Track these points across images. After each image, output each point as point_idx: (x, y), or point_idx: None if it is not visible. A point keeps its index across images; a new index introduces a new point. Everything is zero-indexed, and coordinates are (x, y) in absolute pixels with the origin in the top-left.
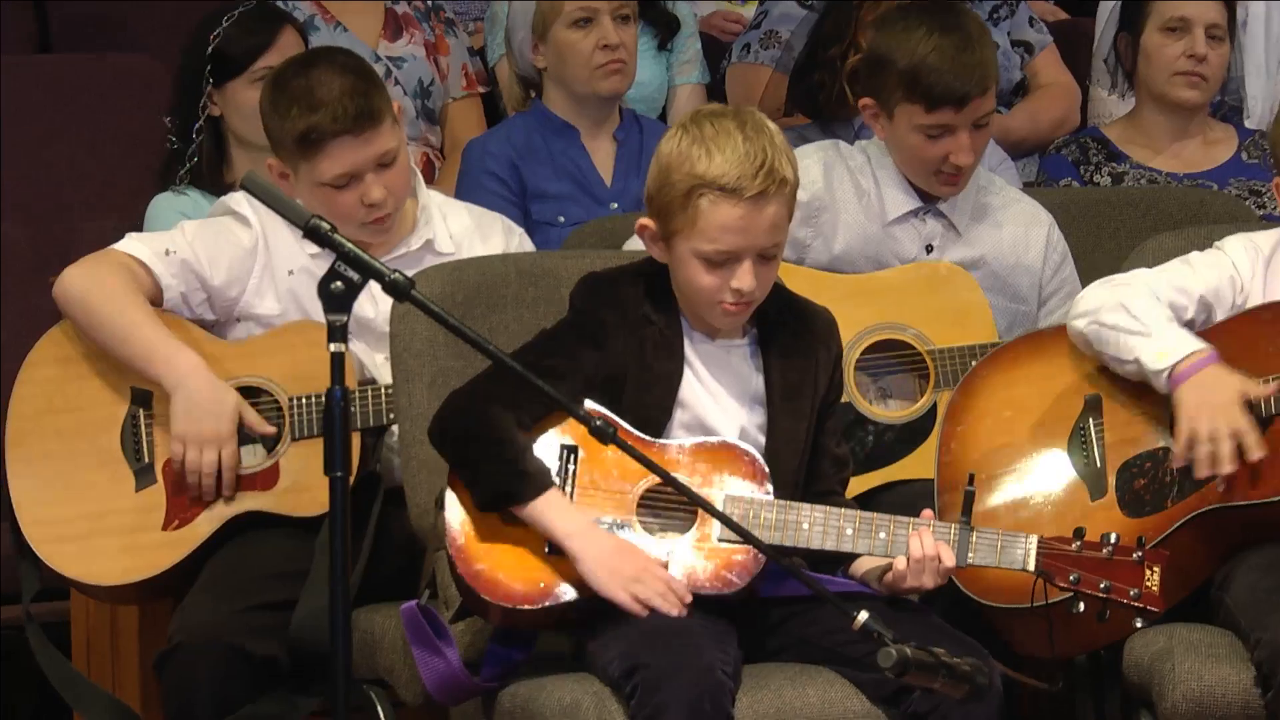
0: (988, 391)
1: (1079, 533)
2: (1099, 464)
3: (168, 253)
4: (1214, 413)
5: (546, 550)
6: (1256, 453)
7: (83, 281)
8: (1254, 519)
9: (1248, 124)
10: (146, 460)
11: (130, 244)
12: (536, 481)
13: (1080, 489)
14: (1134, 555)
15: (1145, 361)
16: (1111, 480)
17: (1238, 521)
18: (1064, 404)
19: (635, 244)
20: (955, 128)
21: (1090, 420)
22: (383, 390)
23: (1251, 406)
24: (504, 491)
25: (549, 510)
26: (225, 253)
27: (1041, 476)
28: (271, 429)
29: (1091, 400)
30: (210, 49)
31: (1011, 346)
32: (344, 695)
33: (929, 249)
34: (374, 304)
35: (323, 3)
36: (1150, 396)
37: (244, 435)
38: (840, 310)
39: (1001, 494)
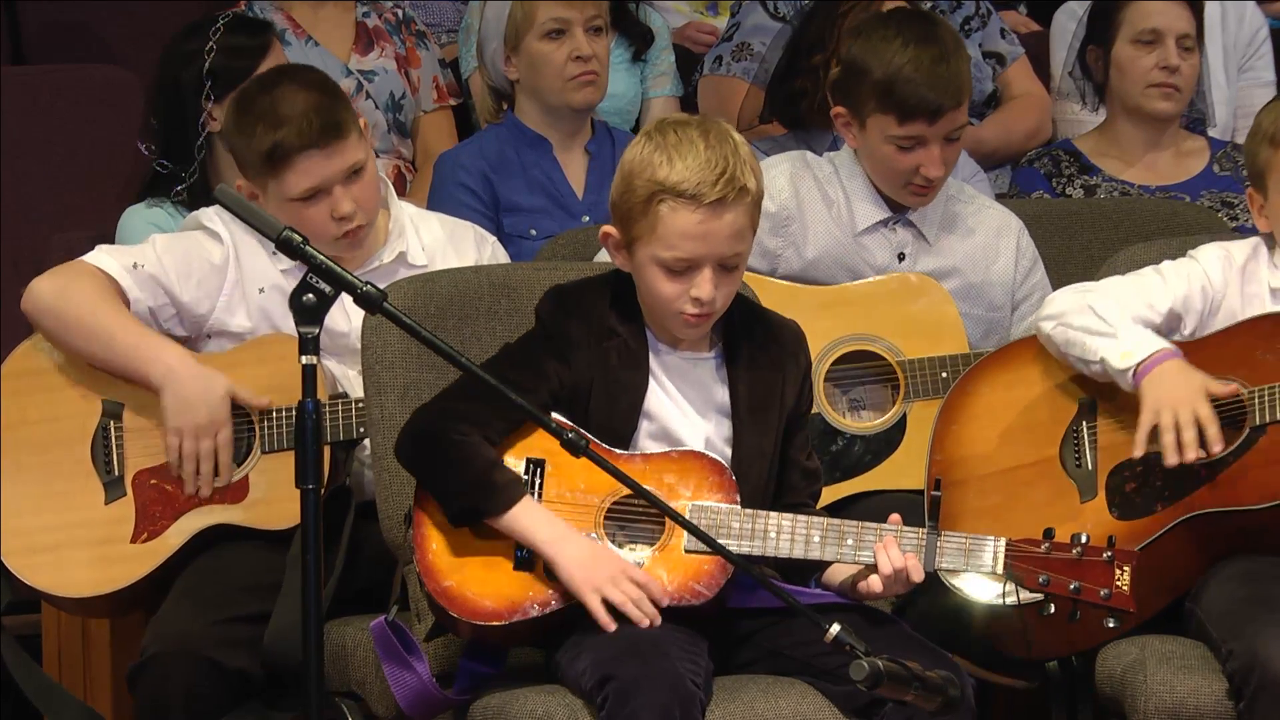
0: (984, 391)
1: (1048, 533)
2: (1090, 466)
3: (135, 266)
4: (1176, 402)
5: (514, 566)
6: (1217, 445)
7: (53, 290)
8: (1243, 526)
9: (1211, 133)
10: (117, 473)
11: (98, 257)
12: (507, 493)
13: (1071, 490)
14: (1104, 555)
15: (1110, 361)
16: (1102, 482)
17: (1227, 528)
18: (1059, 406)
19: (606, 256)
20: (927, 140)
21: (1084, 423)
22: (353, 404)
23: (1215, 402)
24: (473, 507)
25: (523, 519)
26: (195, 268)
27: (1033, 477)
28: (265, 400)
29: (1086, 403)
30: (207, 66)
31: (1010, 348)
32: (317, 708)
33: (901, 257)
34: (348, 319)
35: (294, 16)
36: None
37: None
38: (811, 321)
39: (992, 493)
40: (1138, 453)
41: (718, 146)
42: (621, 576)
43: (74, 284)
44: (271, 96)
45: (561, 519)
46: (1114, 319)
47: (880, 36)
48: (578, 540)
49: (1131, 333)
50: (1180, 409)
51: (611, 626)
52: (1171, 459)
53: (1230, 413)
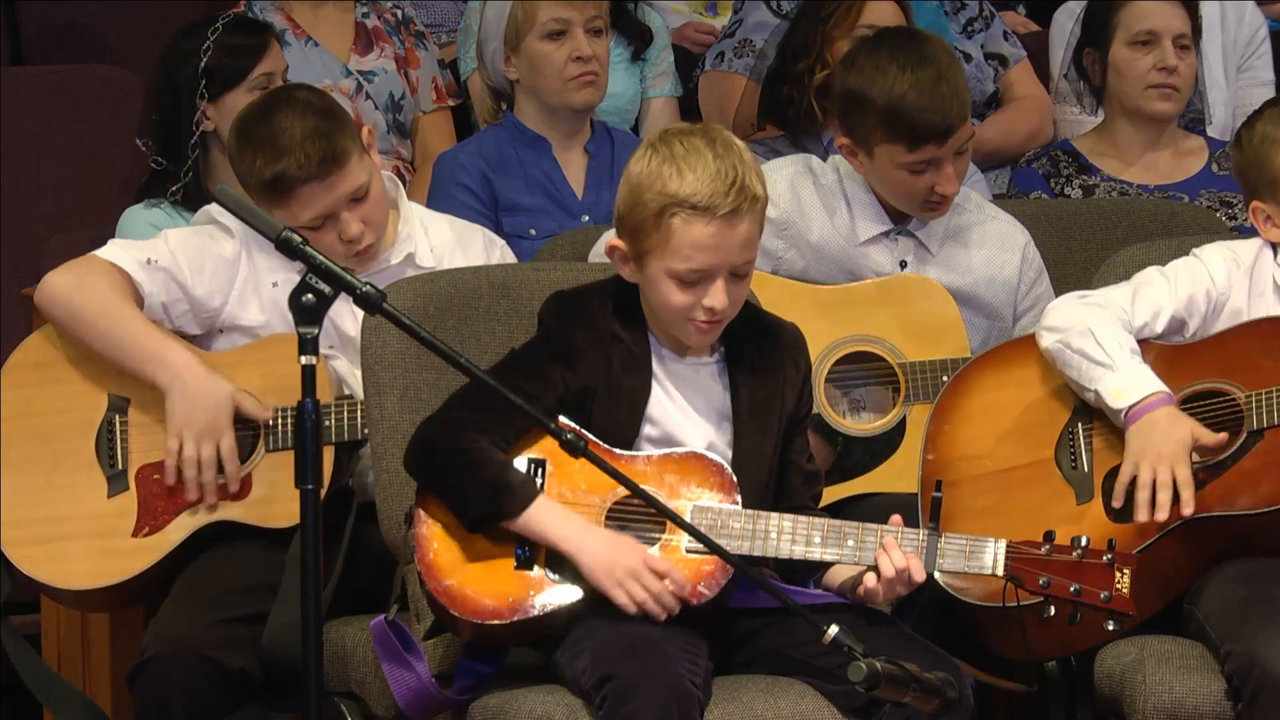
0: (977, 393)
1: (1048, 536)
2: (1086, 469)
3: (149, 261)
4: (1158, 459)
5: (515, 565)
6: (1189, 509)
7: (67, 285)
8: (1238, 530)
9: (1210, 132)
10: (120, 466)
11: (112, 251)
12: (522, 494)
13: (1067, 493)
14: (1104, 558)
15: (1104, 396)
16: (1098, 485)
17: (1222, 532)
18: (1054, 408)
19: (600, 254)
20: (940, 160)
21: (1079, 425)
22: (359, 406)
23: (1199, 451)
24: (489, 512)
25: (541, 518)
26: (208, 262)
27: (1028, 478)
28: (268, 413)
29: (1081, 405)
30: (203, 65)
31: (1003, 349)
32: (316, 709)
33: (903, 265)
34: (355, 319)
35: (293, 16)
36: None
37: None
38: (813, 322)
39: (986, 496)
40: (1117, 504)
41: (725, 155)
42: (643, 569)
43: (88, 280)
44: (270, 126)
45: (576, 514)
46: (1113, 350)
47: (874, 66)
48: (597, 534)
49: (1129, 369)
50: (1160, 466)
51: (634, 609)
52: (1141, 516)
53: (1228, 417)
